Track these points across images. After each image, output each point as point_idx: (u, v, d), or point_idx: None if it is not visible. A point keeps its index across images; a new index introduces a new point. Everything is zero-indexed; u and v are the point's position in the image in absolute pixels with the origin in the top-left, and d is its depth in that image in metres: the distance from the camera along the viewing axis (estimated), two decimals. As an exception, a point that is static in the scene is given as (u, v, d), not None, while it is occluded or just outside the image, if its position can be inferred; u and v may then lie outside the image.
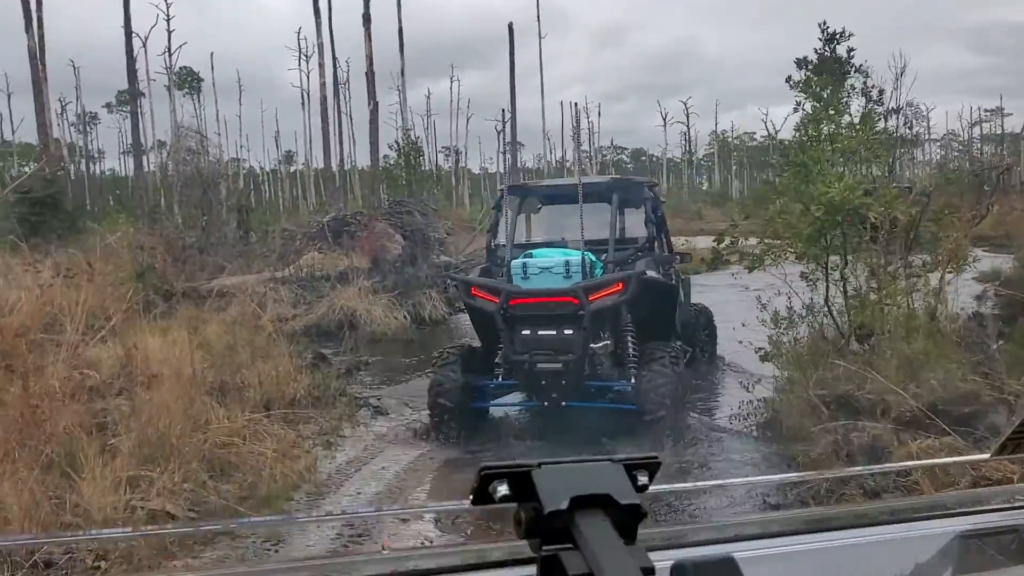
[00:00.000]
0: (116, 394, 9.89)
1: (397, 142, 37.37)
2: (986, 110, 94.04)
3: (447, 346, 9.40)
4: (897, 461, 6.65)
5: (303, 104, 55.60)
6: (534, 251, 8.84)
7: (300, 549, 5.72)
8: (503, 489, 0.88)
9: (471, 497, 0.90)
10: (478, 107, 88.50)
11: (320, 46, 34.89)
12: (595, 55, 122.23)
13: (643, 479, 0.93)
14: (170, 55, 50.23)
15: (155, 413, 7.82)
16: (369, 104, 28.33)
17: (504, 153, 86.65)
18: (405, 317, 16.26)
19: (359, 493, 7.30)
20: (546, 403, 8.28)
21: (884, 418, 7.42)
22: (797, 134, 10.60)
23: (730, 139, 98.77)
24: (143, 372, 10.36)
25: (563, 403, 8.14)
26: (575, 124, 68.71)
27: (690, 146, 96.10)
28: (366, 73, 28.52)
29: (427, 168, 44.65)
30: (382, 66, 41.42)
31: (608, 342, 8.21)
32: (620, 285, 8.04)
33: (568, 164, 67.61)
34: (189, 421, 7.86)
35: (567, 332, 7.94)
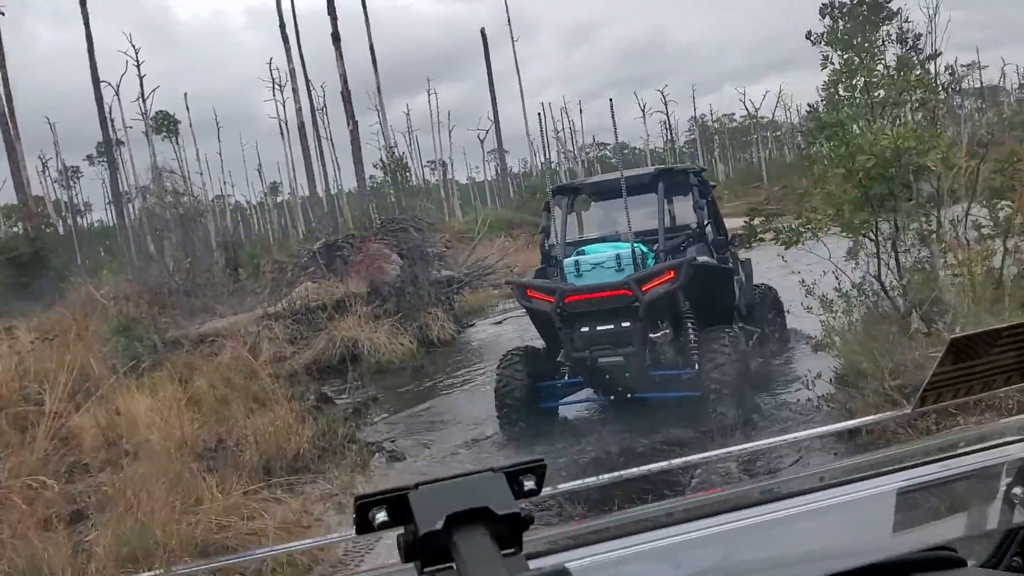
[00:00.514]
0: (99, 469, 8.88)
1: (382, 160, 36.37)
2: (962, 65, 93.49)
3: (511, 349, 9.17)
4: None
5: (282, 134, 54.31)
6: (586, 248, 8.74)
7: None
8: (381, 516, 0.88)
9: (353, 528, 0.89)
10: (458, 118, 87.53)
11: (292, 72, 33.71)
12: (567, 55, 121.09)
13: (530, 484, 0.91)
14: (144, 100, 49.20)
15: (139, 493, 6.69)
16: (348, 124, 27.08)
17: (487, 162, 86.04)
18: (411, 341, 14.99)
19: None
20: (612, 397, 8.32)
21: (989, 411, 6.16)
22: (826, 93, 9.35)
23: (710, 123, 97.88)
24: (129, 440, 9.33)
25: (628, 395, 8.15)
26: (557, 129, 67.73)
27: (672, 134, 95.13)
28: (341, 93, 27.29)
29: (415, 183, 43.65)
30: (358, 86, 40.27)
31: (667, 331, 8.05)
32: (672, 273, 7.91)
33: (554, 165, 66.66)
34: (178, 500, 6.67)
35: (624, 325, 7.86)
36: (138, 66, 46.09)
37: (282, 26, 33.67)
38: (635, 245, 8.21)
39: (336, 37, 27.10)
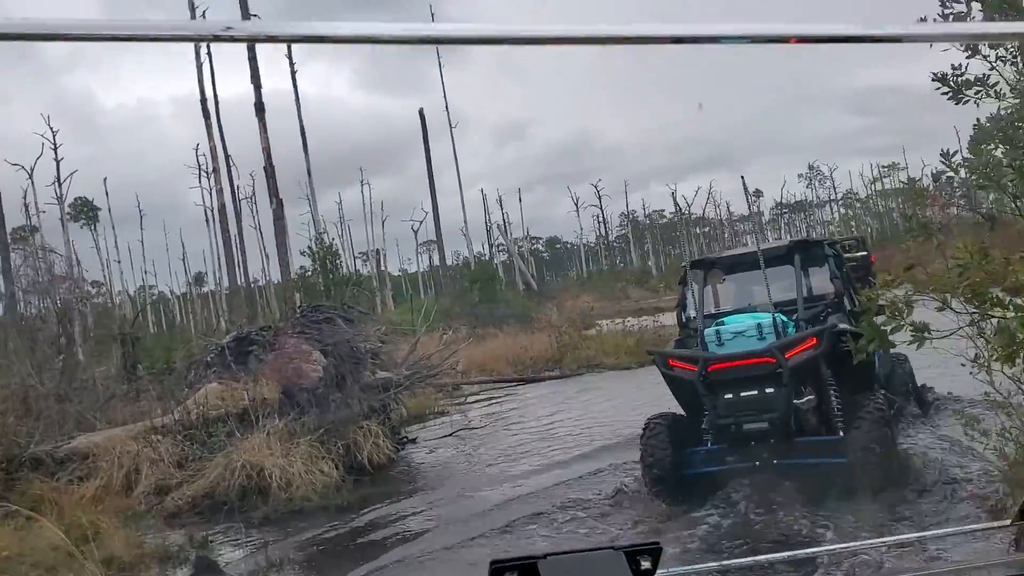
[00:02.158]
0: None
1: (310, 247, 32.54)
2: (882, 166, 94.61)
3: (653, 417, 8.62)
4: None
5: (207, 222, 50.20)
6: (725, 318, 8.61)
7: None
8: None
9: None
10: (390, 211, 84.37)
11: (213, 149, 29.88)
12: (497, 151, 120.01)
13: (646, 564, 0.95)
14: (60, 185, 44.92)
15: None
16: (271, 203, 23.28)
17: (420, 253, 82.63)
18: (335, 467, 11.00)
19: None
20: (757, 463, 7.80)
21: None
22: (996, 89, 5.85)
23: (641, 219, 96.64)
24: None
25: (774, 461, 7.74)
26: (491, 222, 64.81)
27: (606, 229, 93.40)
28: (264, 168, 23.59)
29: (346, 272, 39.89)
30: (288, 175, 36.67)
31: (812, 397, 7.85)
32: (814, 340, 7.77)
33: (484, 257, 63.64)
34: None
35: (768, 391, 7.69)
36: (55, 149, 42.04)
37: (203, 100, 30.00)
38: (775, 315, 8.14)
39: (260, 107, 23.48)
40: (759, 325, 8.04)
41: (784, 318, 8.26)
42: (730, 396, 7.78)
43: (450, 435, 13.98)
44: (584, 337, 22.95)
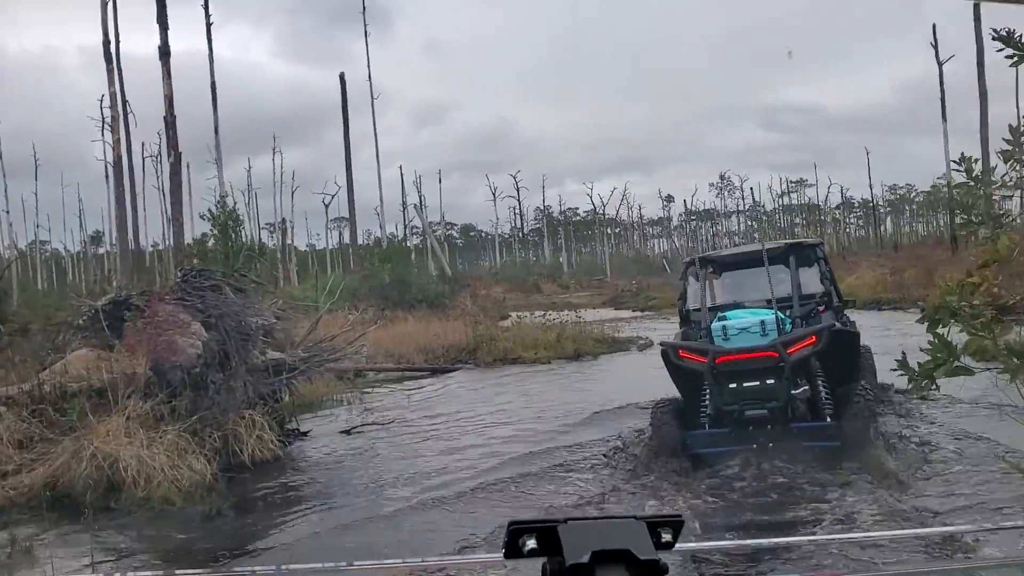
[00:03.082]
0: None
1: (210, 211, 30.06)
2: (791, 181, 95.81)
3: (660, 401, 9.17)
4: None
5: (107, 178, 46.67)
6: (727, 313, 9.01)
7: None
8: (531, 543, 0.90)
9: (503, 551, 0.91)
10: (302, 182, 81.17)
11: (113, 96, 27.13)
12: (415, 133, 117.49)
13: (667, 536, 0.93)
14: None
15: None
16: (170, 156, 20.88)
17: (331, 229, 79.75)
18: (208, 463, 9.05)
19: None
20: (755, 446, 8.19)
21: None
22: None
23: (556, 214, 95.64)
24: None
25: (770, 445, 8.13)
26: (416, 203, 62.61)
27: (521, 221, 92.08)
28: (165, 118, 21.15)
29: (248, 242, 37.29)
30: (195, 137, 33.99)
31: (806, 387, 8.34)
32: (814, 338, 8.29)
33: (399, 239, 61.36)
34: None
35: (769, 382, 8.18)
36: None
37: (106, 43, 27.17)
38: (776, 313, 8.63)
39: (164, 51, 21.03)
40: (763, 322, 8.53)
41: (783, 315, 8.81)
42: (734, 385, 8.27)
43: (348, 432, 12.12)
44: (501, 328, 21.26)
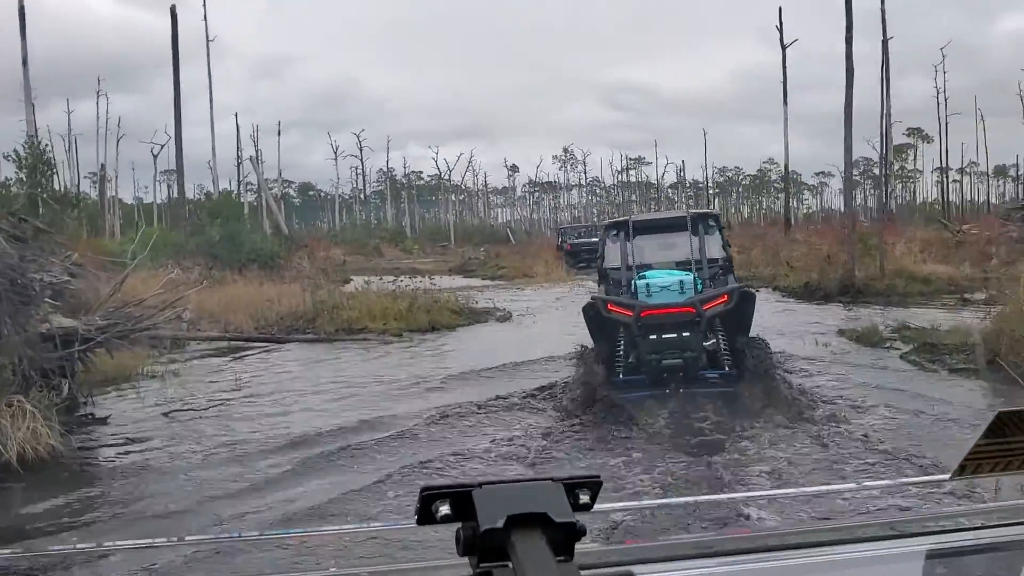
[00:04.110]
0: None
1: (16, 151, 26.09)
2: (630, 158, 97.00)
3: (583, 349, 10.14)
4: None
5: None
6: (647, 273, 9.74)
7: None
8: (444, 509, 0.88)
9: (415, 517, 0.89)
10: (130, 131, 74.61)
11: None
12: (253, 86, 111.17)
13: (585, 498, 0.92)
14: None
15: None
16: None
17: (160, 183, 73.95)
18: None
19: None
20: (667, 391, 8.94)
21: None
22: None
23: (399, 177, 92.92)
24: None
25: (680, 390, 8.91)
26: (241, 158, 58.42)
27: (364, 182, 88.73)
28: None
29: (63, 190, 33.07)
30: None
31: (714, 340, 9.13)
32: (726, 297, 9.13)
33: (234, 195, 57.19)
34: None
35: (685, 335, 8.85)
36: None
37: None
38: (693, 274, 9.61)
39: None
40: (681, 281, 9.35)
41: (695, 276, 9.61)
42: (654, 337, 8.88)
43: (168, 414, 9.80)
44: (344, 295, 18.90)
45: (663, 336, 8.83)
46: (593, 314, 9.52)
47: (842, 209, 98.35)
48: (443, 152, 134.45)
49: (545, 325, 16.58)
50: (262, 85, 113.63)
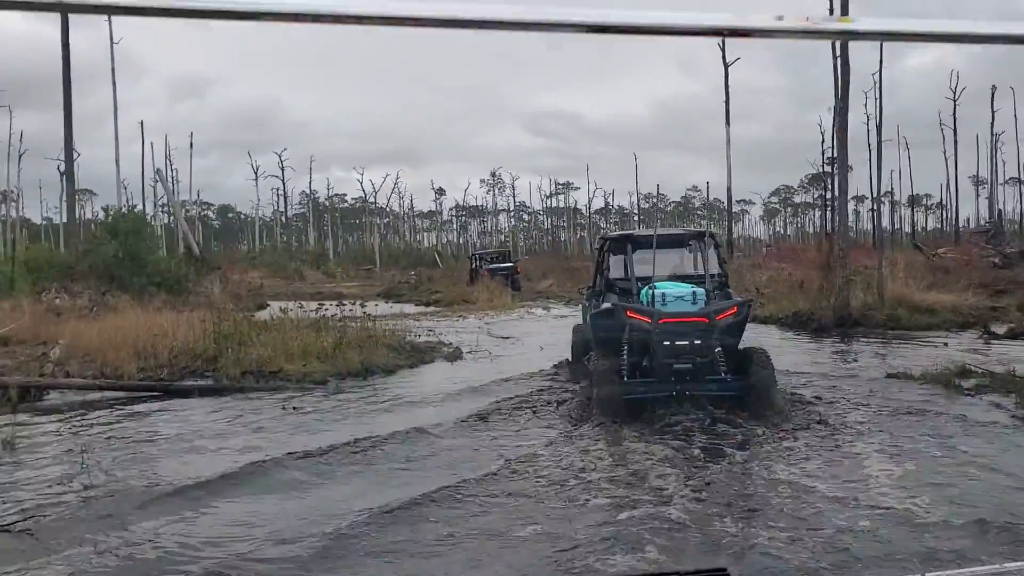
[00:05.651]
0: None
1: None
2: (559, 183, 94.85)
3: (597, 356, 10.09)
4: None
5: None
6: (658, 284, 9.90)
7: None
8: None
9: None
10: (36, 148, 69.04)
11: None
12: (171, 107, 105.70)
13: None
14: None
15: None
16: None
17: (65, 201, 68.57)
18: None
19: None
20: (674, 392, 9.31)
21: None
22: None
23: (322, 200, 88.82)
24: None
25: (687, 392, 9.30)
26: (156, 179, 53.77)
27: (286, 204, 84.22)
28: None
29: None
30: None
31: (719, 348, 9.27)
32: (736, 308, 9.53)
33: (149, 216, 52.53)
34: None
35: (697, 343, 9.16)
36: None
37: None
38: (704, 287, 9.93)
39: None
40: (694, 292, 9.71)
41: (705, 288, 9.98)
42: (668, 343, 9.19)
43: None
44: (255, 325, 15.07)
45: (677, 343, 9.17)
46: (605, 321, 9.97)
47: (766, 236, 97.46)
48: (368, 174, 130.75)
49: (509, 362, 13.37)
50: (182, 106, 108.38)
